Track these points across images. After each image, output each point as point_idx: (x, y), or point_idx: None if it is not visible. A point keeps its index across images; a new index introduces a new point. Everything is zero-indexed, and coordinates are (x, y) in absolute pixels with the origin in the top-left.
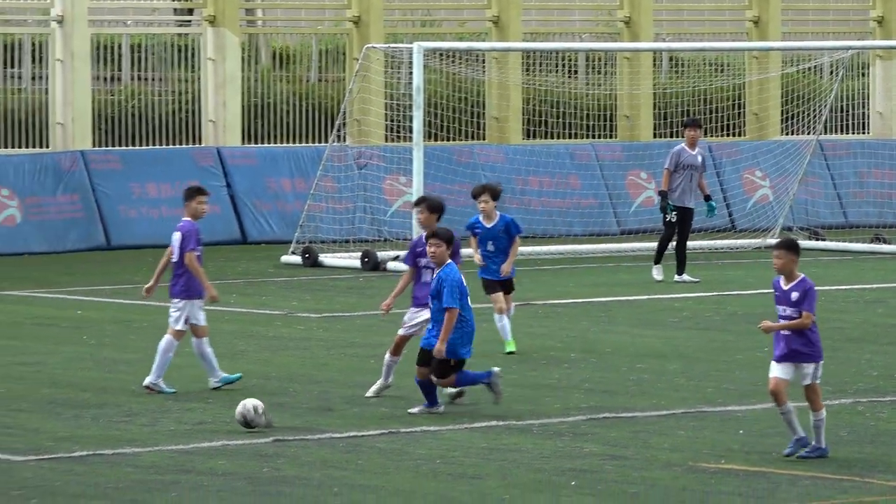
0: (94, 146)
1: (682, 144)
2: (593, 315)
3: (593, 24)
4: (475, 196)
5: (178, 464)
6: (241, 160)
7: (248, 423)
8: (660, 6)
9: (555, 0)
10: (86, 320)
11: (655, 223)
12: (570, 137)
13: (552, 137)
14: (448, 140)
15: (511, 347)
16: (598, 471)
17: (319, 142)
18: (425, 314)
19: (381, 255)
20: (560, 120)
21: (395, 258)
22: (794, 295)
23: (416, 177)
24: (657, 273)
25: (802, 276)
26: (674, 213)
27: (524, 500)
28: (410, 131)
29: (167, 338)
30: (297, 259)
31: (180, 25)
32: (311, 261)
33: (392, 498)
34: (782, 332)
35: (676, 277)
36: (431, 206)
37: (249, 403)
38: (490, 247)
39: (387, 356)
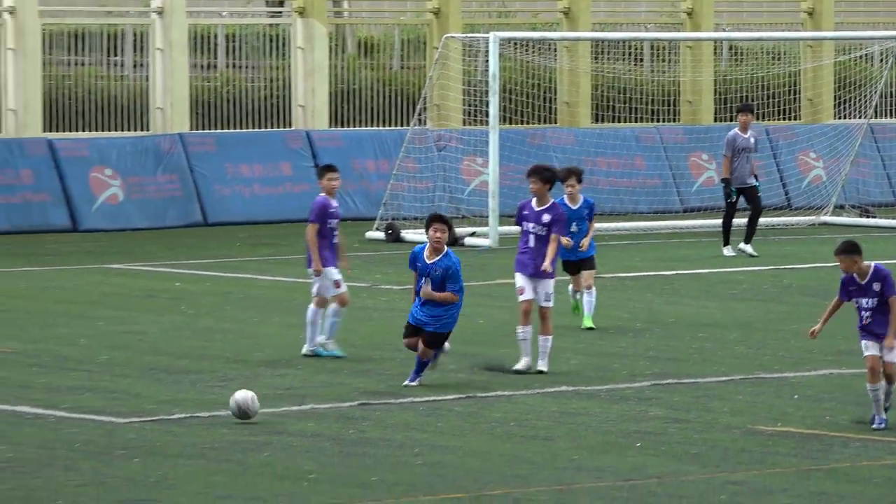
0: (191, 129)
1: (736, 129)
2: (658, 288)
3: (658, 14)
4: (563, 180)
5: (270, 426)
6: (328, 142)
7: (244, 414)
8: None
9: None
10: (184, 292)
11: (716, 201)
12: (635, 121)
13: (619, 121)
14: (522, 123)
15: (588, 323)
16: (662, 433)
17: (401, 125)
18: (541, 280)
19: (458, 230)
20: (626, 105)
21: (472, 234)
22: (876, 286)
23: (492, 158)
24: (728, 252)
25: (873, 265)
26: (738, 196)
27: (592, 460)
28: (487, 115)
29: (310, 307)
30: (381, 235)
31: (272, 17)
32: (393, 236)
33: (469, 458)
34: (865, 316)
35: (741, 245)
36: (544, 177)
37: (244, 395)
38: (574, 228)
39: (519, 330)
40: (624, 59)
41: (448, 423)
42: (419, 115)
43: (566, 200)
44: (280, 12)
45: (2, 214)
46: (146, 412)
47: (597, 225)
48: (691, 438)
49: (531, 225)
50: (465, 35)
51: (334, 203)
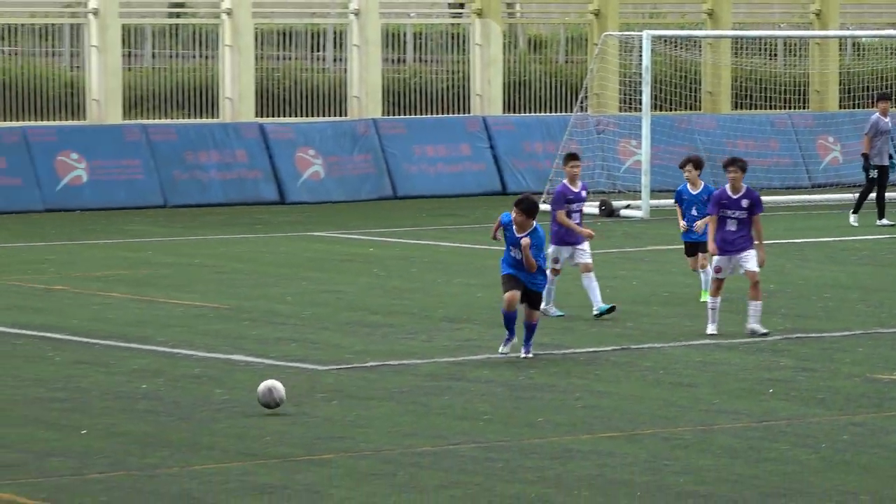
0: (383, 115)
1: (877, 114)
2: (789, 254)
3: (790, 15)
4: (681, 167)
5: (450, 373)
6: (502, 127)
7: (273, 403)
8: (845, 0)
9: None
10: (376, 256)
11: (840, 178)
12: (770, 108)
13: (755, 108)
14: (670, 110)
15: (705, 297)
16: (792, 380)
17: (565, 112)
18: (741, 256)
19: (615, 203)
20: (762, 94)
21: (627, 206)
22: None
23: (645, 140)
24: (854, 220)
25: None
26: (875, 170)
27: (731, 404)
28: (640, 103)
29: (549, 275)
30: (547, 206)
31: (453, 17)
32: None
33: (623, 402)
34: None
35: (878, 222)
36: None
37: (271, 387)
38: (694, 212)
39: (709, 300)
40: (760, 54)
41: (605, 371)
42: (581, 102)
43: (687, 186)
44: (461, 13)
45: (220, 189)
46: (343, 360)
47: None
48: (817, 385)
49: (730, 211)
50: (621, 33)
51: (574, 188)
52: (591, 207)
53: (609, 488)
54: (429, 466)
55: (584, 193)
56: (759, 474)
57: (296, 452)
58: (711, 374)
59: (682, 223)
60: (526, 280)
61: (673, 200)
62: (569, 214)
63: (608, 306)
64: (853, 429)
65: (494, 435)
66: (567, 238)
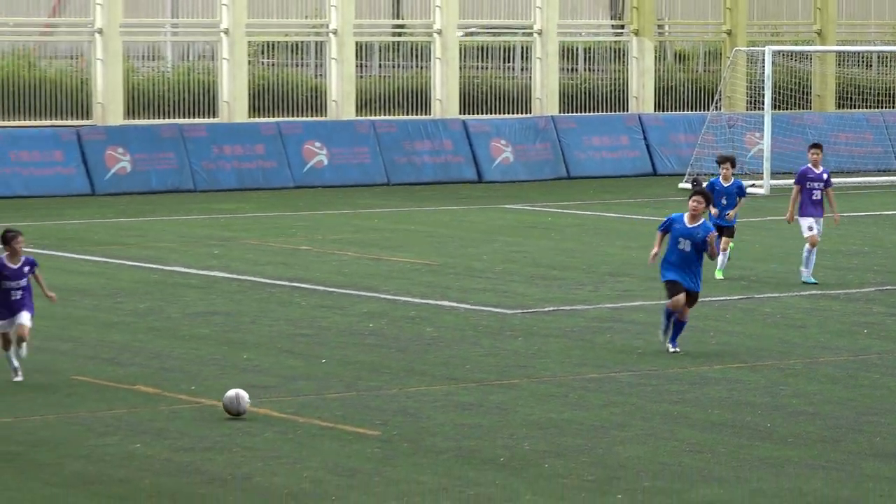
0: (559, 113)
1: None
2: (881, 223)
3: (883, 33)
4: (719, 163)
5: (611, 316)
6: (653, 122)
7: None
8: None
9: (858, 17)
10: (553, 224)
11: None
12: (866, 108)
13: (855, 108)
14: (786, 109)
15: (719, 276)
16: (882, 324)
17: (703, 110)
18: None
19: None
20: (860, 96)
21: (751, 185)
22: None
23: (766, 133)
24: None
25: None
26: None
27: (833, 342)
28: (763, 104)
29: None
30: (688, 185)
31: (615, 36)
32: (697, 185)
33: (747, 339)
34: None
35: None
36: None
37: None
38: (724, 201)
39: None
40: (858, 65)
41: (733, 315)
42: (716, 103)
43: (721, 180)
44: (621, 32)
45: (431, 170)
46: (526, 306)
47: (838, 179)
48: None
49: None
50: (748, 48)
51: (815, 170)
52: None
53: (735, 407)
54: (594, 389)
55: (825, 175)
56: (855, 397)
57: (489, 378)
58: (818, 318)
59: (714, 210)
60: (689, 283)
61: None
62: (807, 191)
63: (814, 280)
64: None
65: (646, 365)
66: (811, 211)
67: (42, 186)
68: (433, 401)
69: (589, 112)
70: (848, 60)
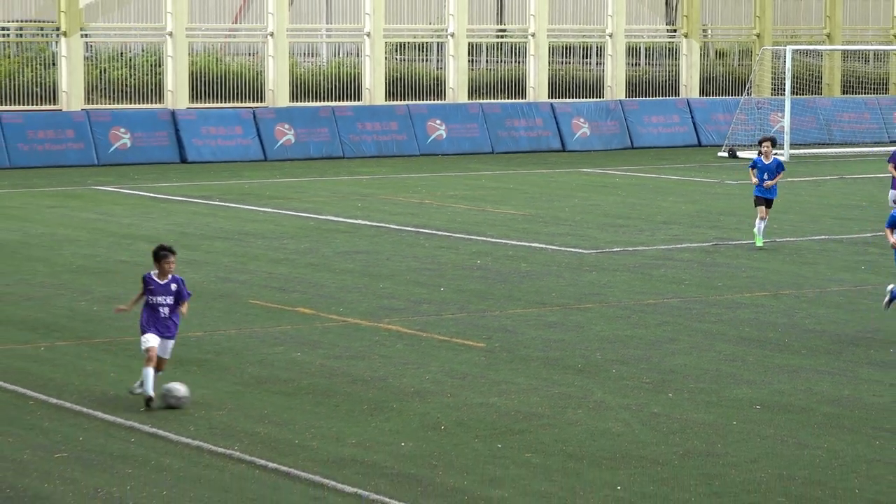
0: (625, 97)
1: None
2: (876, 184)
3: (878, 35)
4: (760, 142)
5: (664, 255)
6: (698, 105)
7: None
8: None
9: (859, 23)
10: (619, 184)
11: None
12: (864, 93)
13: (855, 93)
14: (802, 94)
15: (759, 243)
16: (877, 262)
17: (738, 95)
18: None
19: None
20: (860, 84)
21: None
22: None
23: (787, 113)
24: None
25: None
26: None
27: (838, 275)
28: (784, 90)
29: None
30: (725, 154)
31: (669, 37)
32: (732, 154)
33: (770, 274)
34: None
35: None
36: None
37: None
38: (765, 176)
39: None
40: (859, 60)
41: (760, 255)
42: (748, 90)
43: (762, 158)
44: (674, 35)
45: (525, 142)
46: (599, 247)
47: (842, 150)
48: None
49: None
50: (773, 47)
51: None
52: (752, 152)
53: (761, 326)
54: (650, 312)
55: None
56: (854, 319)
57: (570, 302)
58: (826, 257)
59: (755, 180)
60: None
61: (749, 166)
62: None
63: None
64: None
65: (691, 293)
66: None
67: (226, 154)
68: (526, 320)
69: (648, 97)
70: (851, 57)
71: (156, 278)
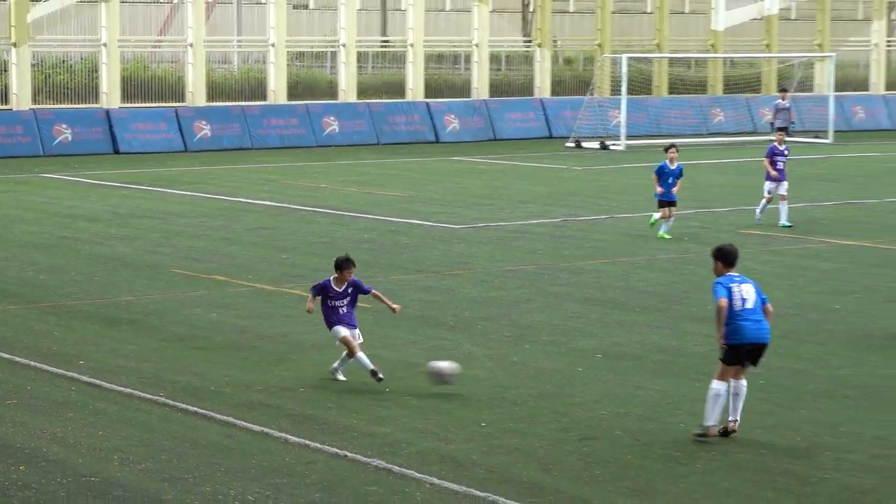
0: (489, 97)
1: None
2: (698, 169)
3: (698, 45)
4: (666, 149)
5: (522, 229)
6: (550, 104)
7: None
8: (728, 38)
9: (682, 35)
10: (485, 170)
11: (720, 129)
12: (686, 94)
13: (679, 94)
14: (636, 94)
15: (667, 236)
16: (697, 234)
17: (583, 95)
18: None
19: (607, 142)
20: (683, 86)
21: (614, 144)
22: None
23: (622, 111)
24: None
25: None
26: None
27: (666, 245)
28: (621, 91)
29: None
30: (572, 145)
31: (526, 47)
32: (578, 145)
33: (610, 244)
34: None
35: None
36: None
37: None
38: (670, 181)
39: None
40: (682, 66)
41: (602, 228)
42: (591, 91)
43: (668, 163)
44: (529, 44)
45: (405, 135)
46: (467, 223)
47: (669, 141)
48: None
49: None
50: (612, 55)
51: (780, 146)
52: (594, 143)
53: (601, 288)
54: (510, 277)
55: (786, 151)
56: (679, 281)
57: (442, 270)
58: (655, 231)
59: (659, 189)
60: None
61: (656, 172)
62: (774, 164)
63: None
64: None
65: (544, 261)
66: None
67: (153, 146)
68: (406, 285)
69: (508, 97)
70: (676, 63)
71: (334, 286)
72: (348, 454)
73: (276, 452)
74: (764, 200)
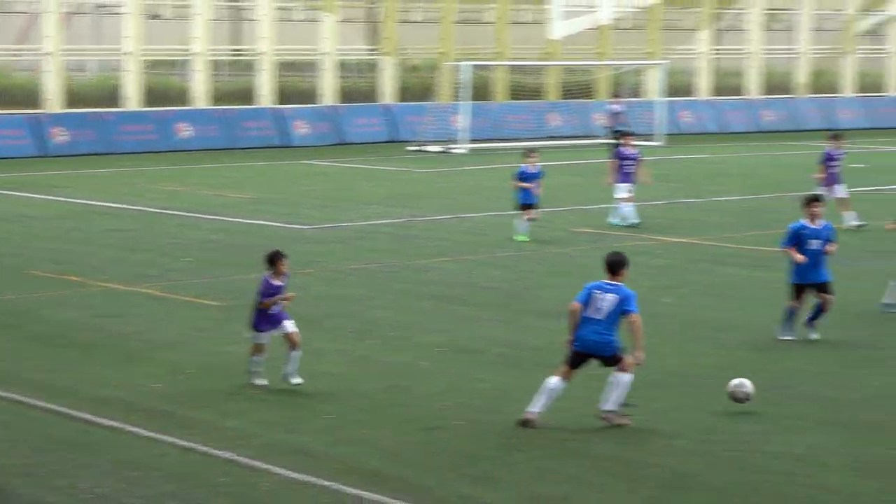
0: (338, 102)
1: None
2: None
3: (534, 53)
4: (528, 153)
5: (367, 229)
6: (396, 109)
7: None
8: (567, 46)
9: (521, 44)
10: (332, 173)
11: (552, 133)
12: (526, 100)
13: (521, 100)
14: (474, 100)
15: (522, 239)
16: (533, 232)
17: (427, 101)
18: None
19: (450, 146)
20: (524, 92)
21: (456, 147)
22: None
23: (463, 115)
24: None
25: None
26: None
27: (505, 244)
28: (461, 97)
29: None
30: (416, 148)
31: (373, 55)
32: (421, 149)
33: (454, 244)
34: None
35: None
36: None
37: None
38: (534, 183)
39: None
40: (521, 74)
41: (445, 228)
42: (432, 96)
43: (528, 167)
44: (377, 52)
45: (257, 140)
46: (315, 223)
47: (511, 144)
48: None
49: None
50: (455, 63)
51: (628, 149)
52: (437, 147)
53: (444, 284)
54: (356, 275)
55: (636, 154)
56: (518, 278)
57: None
58: (495, 229)
59: (521, 192)
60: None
61: (518, 177)
62: (621, 167)
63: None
64: None
65: (389, 259)
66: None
67: (12, 151)
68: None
69: (356, 103)
70: (515, 71)
71: (274, 282)
72: (199, 447)
73: (128, 447)
74: (622, 203)
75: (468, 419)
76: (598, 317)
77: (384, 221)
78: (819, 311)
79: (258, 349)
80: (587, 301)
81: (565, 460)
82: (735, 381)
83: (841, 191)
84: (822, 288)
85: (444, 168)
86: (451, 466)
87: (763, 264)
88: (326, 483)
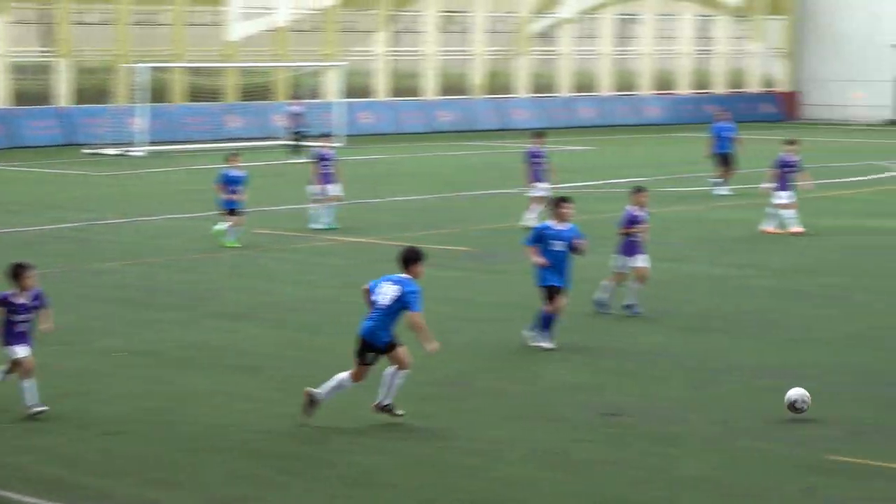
0: (12, 106)
1: None
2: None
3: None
4: (227, 157)
5: (48, 234)
6: (72, 112)
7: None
8: (246, 48)
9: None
10: (5, 179)
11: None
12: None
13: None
14: (155, 103)
15: (229, 245)
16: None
17: (103, 104)
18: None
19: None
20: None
21: (135, 150)
22: None
23: (139, 117)
24: None
25: None
26: None
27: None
28: (137, 100)
29: None
30: (90, 152)
31: (47, 57)
32: (97, 153)
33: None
34: None
35: None
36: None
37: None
38: (234, 188)
39: None
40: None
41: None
42: (111, 99)
43: (230, 170)
44: (52, 54)
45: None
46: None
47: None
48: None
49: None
50: (132, 64)
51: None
52: (115, 150)
53: (124, 288)
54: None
55: (332, 155)
56: (203, 280)
57: None
58: (169, 231)
59: (223, 196)
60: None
61: (220, 182)
62: (322, 168)
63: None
64: None
65: (68, 264)
66: None
67: None
68: None
69: (31, 105)
70: (195, 72)
71: (16, 300)
72: None
73: None
74: (314, 204)
75: (150, 422)
76: (379, 305)
77: (63, 226)
78: (547, 316)
79: (21, 368)
80: (374, 289)
81: (253, 460)
82: (796, 395)
83: (541, 188)
84: (554, 291)
85: (123, 171)
86: (132, 470)
87: (439, 263)
88: (5, 493)
